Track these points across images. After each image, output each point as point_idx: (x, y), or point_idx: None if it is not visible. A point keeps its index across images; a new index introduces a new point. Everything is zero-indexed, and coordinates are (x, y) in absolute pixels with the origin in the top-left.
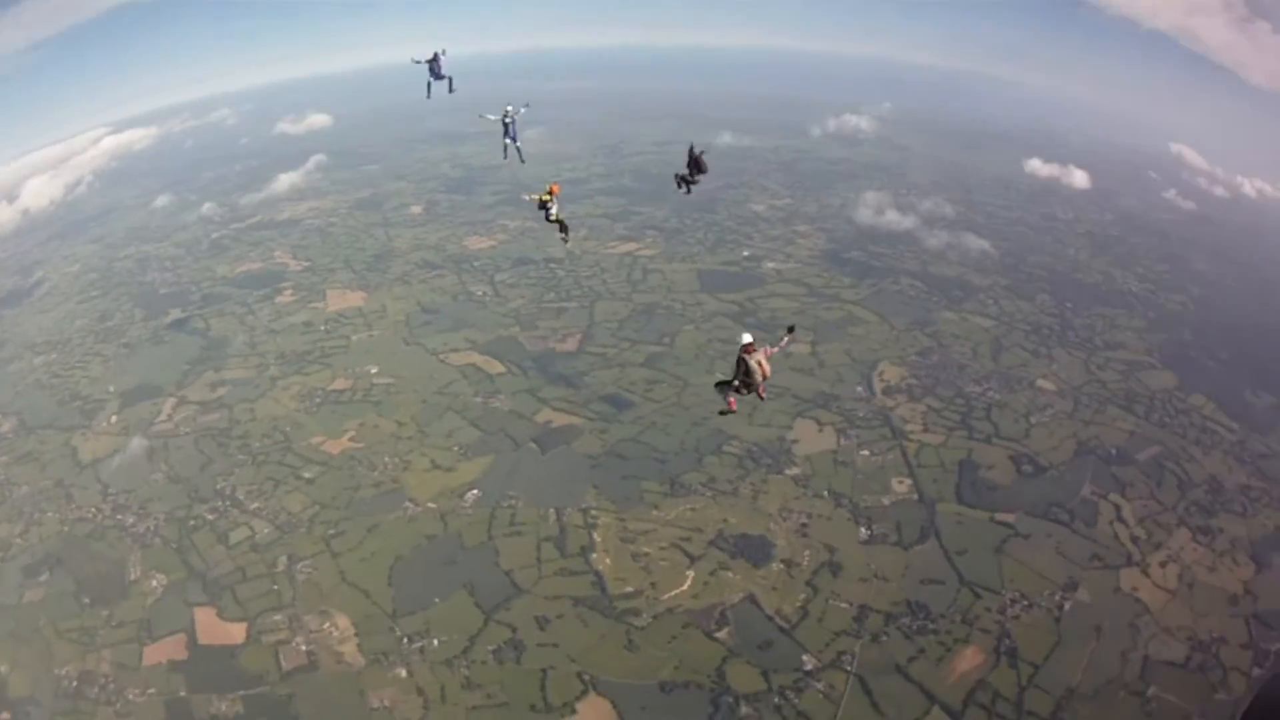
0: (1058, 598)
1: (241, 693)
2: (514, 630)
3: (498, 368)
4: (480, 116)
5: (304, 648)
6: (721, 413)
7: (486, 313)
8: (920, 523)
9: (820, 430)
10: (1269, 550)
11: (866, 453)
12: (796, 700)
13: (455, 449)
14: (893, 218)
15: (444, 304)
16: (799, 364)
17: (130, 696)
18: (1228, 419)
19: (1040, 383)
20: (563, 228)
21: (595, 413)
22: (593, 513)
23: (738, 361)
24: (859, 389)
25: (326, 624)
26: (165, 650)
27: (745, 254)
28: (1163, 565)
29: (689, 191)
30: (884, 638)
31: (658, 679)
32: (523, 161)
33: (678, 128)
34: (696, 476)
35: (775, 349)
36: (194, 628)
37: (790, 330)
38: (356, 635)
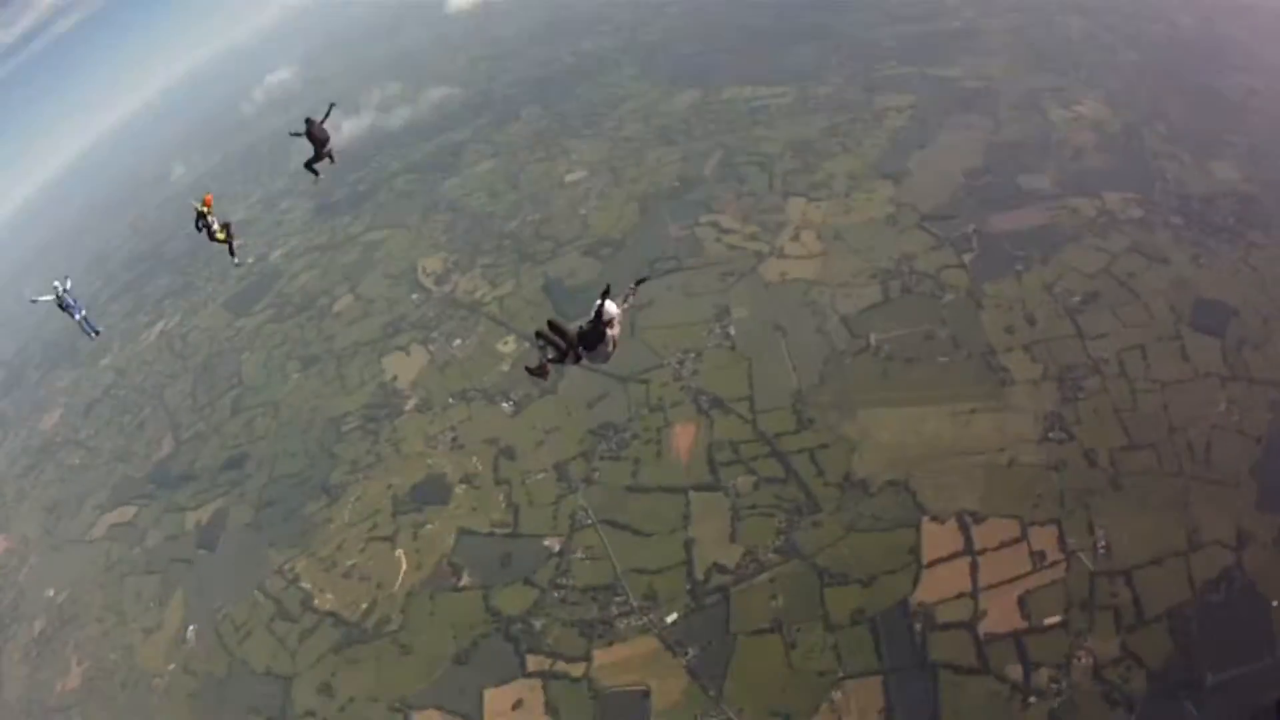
0: (717, 330)
1: None
2: (314, 714)
3: (131, 512)
4: (32, 301)
5: None
6: (531, 370)
7: (92, 471)
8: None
9: (408, 354)
10: (895, 163)
11: (458, 342)
12: (571, 580)
13: (150, 606)
14: (350, 126)
15: (58, 494)
16: (353, 315)
17: None
18: (772, 88)
19: (570, 177)
20: (229, 236)
21: (225, 484)
22: (287, 567)
23: (592, 327)
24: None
25: None
26: None
27: (250, 260)
28: (795, 239)
29: (323, 167)
30: (596, 474)
31: (449, 659)
32: (98, 333)
33: None
34: (340, 470)
35: (622, 311)
36: None
37: (640, 281)
38: None
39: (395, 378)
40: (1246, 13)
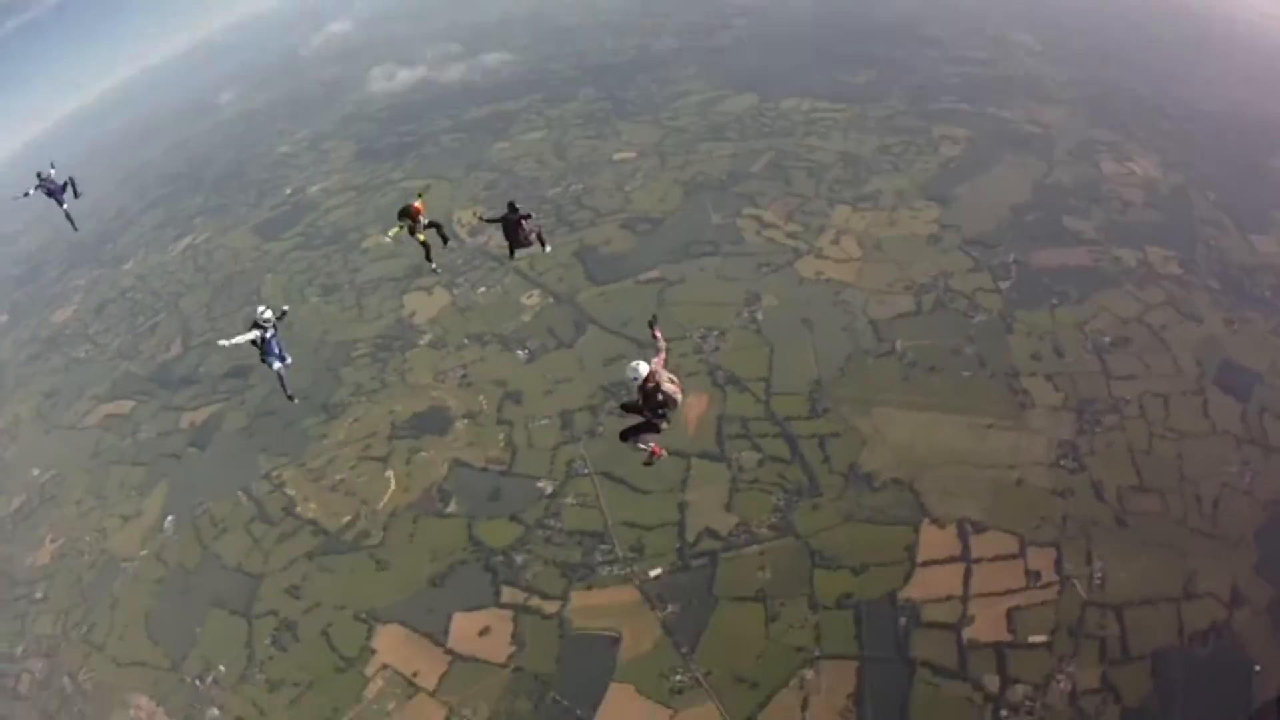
0: (744, 314)
1: None
2: (276, 613)
3: (128, 405)
4: (221, 345)
5: None
6: (647, 464)
7: (95, 365)
8: (571, 319)
9: (430, 294)
10: (943, 188)
11: (483, 289)
12: (558, 523)
13: (132, 494)
14: (404, 76)
15: (58, 382)
16: (381, 252)
17: None
18: (831, 104)
19: (618, 156)
20: (437, 235)
21: (226, 391)
22: (275, 474)
23: (644, 396)
24: (448, 245)
25: (132, 712)
26: None
27: (288, 191)
28: (835, 242)
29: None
30: (600, 429)
31: (424, 580)
32: (290, 397)
33: None
34: (343, 391)
35: (663, 354)
36: None
37: (651, 323)
38: (160, 705)
39: (414, 314)
40: None
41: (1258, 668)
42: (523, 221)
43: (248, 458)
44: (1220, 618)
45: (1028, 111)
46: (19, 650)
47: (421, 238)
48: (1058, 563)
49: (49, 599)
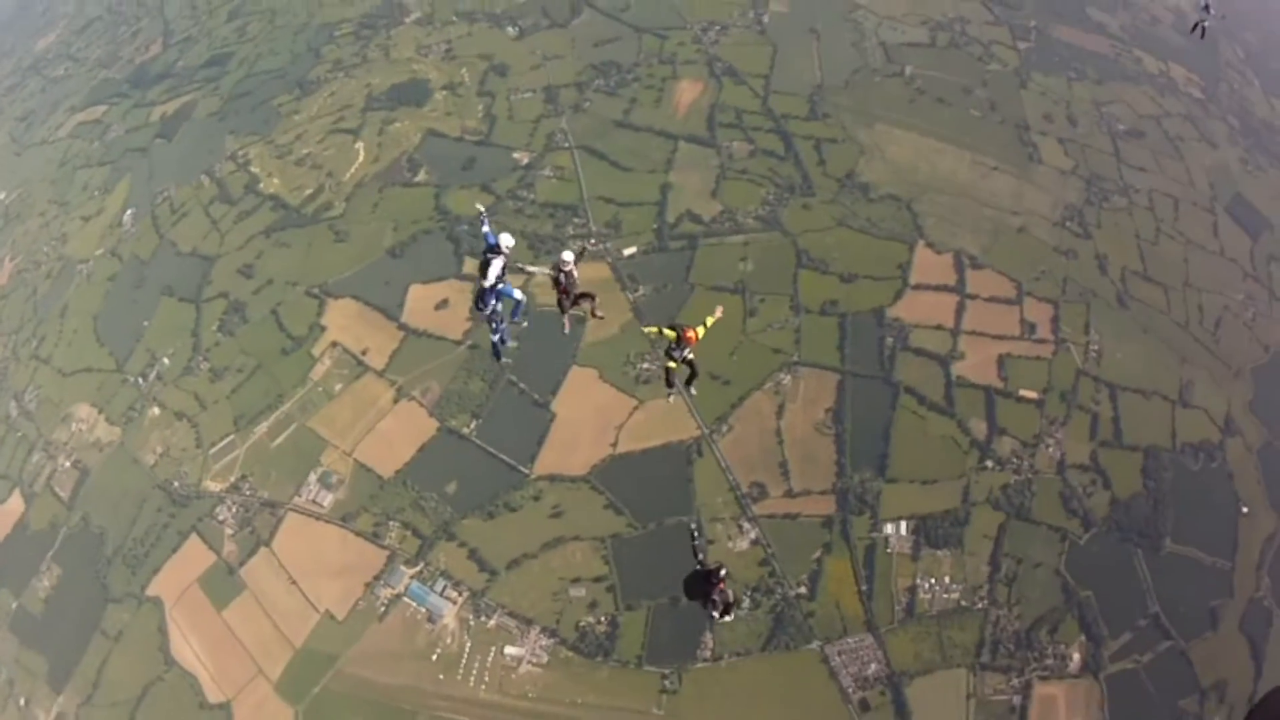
0: (750, 15)
1: (49, 554)
2: (226, 295)
3: (100, 110)
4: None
5: (68, 464)
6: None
7: (73, 79)
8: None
9: None
10: None
11: None
12: (531, 195)
13: (95, 195)
14: None
15: (34, 104)
16: None
17: None
18: None
19: None
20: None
21: (201, 80)
22: (240, 153)
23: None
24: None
25: (74, 425)
26: None
27: None
28: None
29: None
30: (587, 104)
31: (383, 250)
32: (504, 358)
33: None
34: (321, 68)
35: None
36: None
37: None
38: (101, 412)
39: None
40: None
41: (1245, 509)
42: (721, 583)
43: (214, 141)
44: (1212, 438)
45: None
46: None
47: (674, 365)
48: (1054, 321)
49: (2, 321)
